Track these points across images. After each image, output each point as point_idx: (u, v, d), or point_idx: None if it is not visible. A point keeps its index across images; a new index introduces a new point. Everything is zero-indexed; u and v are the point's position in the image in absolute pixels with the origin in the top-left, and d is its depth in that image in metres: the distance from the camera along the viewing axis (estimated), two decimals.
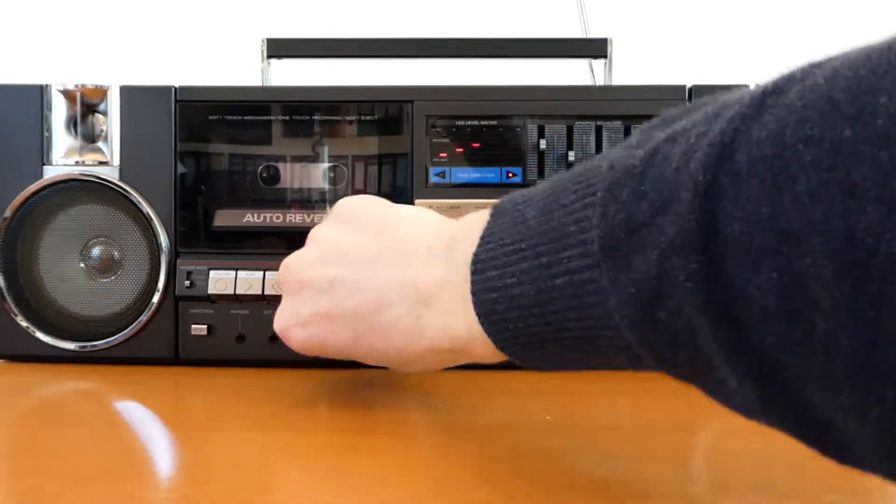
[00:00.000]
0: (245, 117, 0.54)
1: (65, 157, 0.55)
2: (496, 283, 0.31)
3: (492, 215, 0.33)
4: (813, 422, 0.22)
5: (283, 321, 0.41)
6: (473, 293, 0.32)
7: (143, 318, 0.54)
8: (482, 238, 0.32)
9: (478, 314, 0.31)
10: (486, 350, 0.32)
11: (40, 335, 0.54)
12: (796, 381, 0.21)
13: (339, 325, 0.39)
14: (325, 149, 0.54)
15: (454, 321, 0.34)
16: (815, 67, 0.22)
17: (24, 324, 0.54)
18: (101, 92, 0.55)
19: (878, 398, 0.19)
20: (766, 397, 0.22)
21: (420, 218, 0.40)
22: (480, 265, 0.32)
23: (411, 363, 0.38)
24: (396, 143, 0.54)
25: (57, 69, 0.94)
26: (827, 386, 0.20)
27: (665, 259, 0.23)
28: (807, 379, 0.21)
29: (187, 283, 0.53)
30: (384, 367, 0.41)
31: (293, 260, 0.42)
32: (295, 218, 0.54)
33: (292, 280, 0.41)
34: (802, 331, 0.20)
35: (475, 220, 0.34)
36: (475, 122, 0.54)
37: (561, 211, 0.29)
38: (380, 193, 0.54)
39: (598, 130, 0.53)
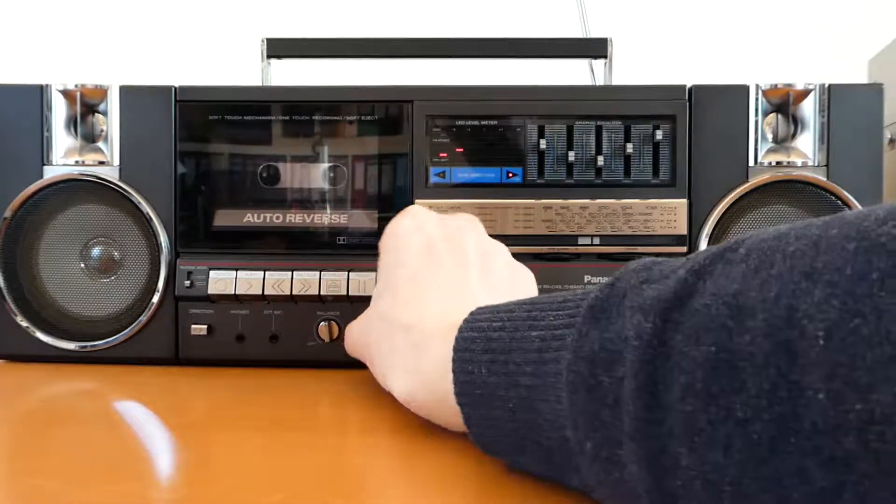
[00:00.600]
0: (245, 117, 0.54)
1: (65, 157, 0.55)
2: (482, 324, 0.31)
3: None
4: None
5: (351, 336, 0.45)
6: (460, 329, 0.32)
7: (143, 318, 0.54)
8: (496, 305, 0.33)
9: (454, 349, 0.32)
10: (448, 396, 0.32)
11: (40, 335, 0.54)
12: (691, 476, 0.21)
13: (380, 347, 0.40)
14: (325, 149, 0.54)
15: (434, 354, 0.34)
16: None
17: (24, 324, 0.54)
18: (101, 92, 0.55)
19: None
20: (658, 487, 0.22)
21: (518, 278, 0.43)
22: (481, 308, 0.33)
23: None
24: (396, 143, 0.54)
25: (57, 69, 0.94)
26: (710, 482, 0.21)
27: (632, 318, 0.24)
28: (702, 477, 0.21)
29: (187, 283, 0.53)
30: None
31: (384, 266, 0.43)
32: (295, 218, 0.54)
33: (381, 284, 0.43)
34: (716, 416, 0.20)
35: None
36: (475, 122, 0.54)
37: (570, 294, 0.29)
38: (380, 193, 0.54)
39: (598, 130, 0.53)
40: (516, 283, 0.42)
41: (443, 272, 0.40)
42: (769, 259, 0.21)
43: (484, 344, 0.30)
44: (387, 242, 0.44)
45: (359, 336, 0.43)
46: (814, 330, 0.19)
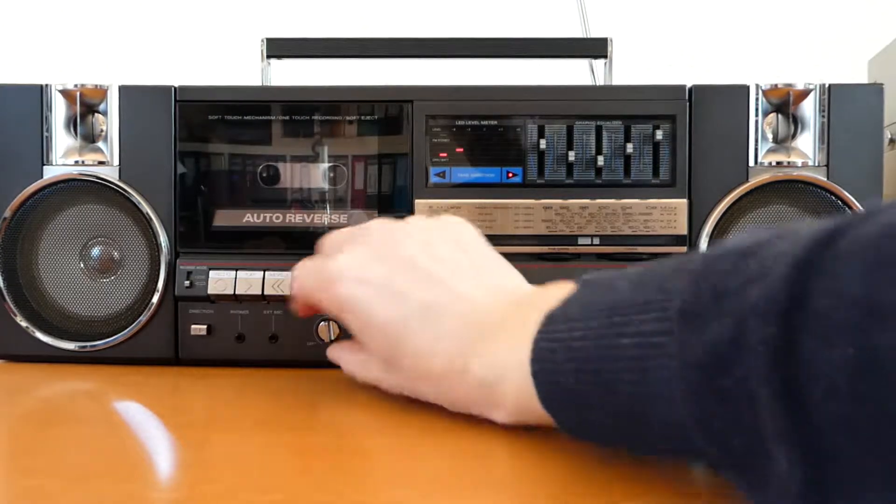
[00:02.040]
0: (245, 117, 0.54)
1: (64, 157, 0.55)
2: (561, 335, 0.31)
3: (581, 284, 0.33)
4: None
5: (344, 267, 0.41)
6: (535, 340, 0.32)
7: (143, 318, 0.54)
8: (565, 300, 0.33)
9: (532, 360, 0.32)
10: (518, 400, 0.33)
11: (40, 335, 0.54)
12: (852, 469, 0.21)
13: (394, 302, 0.39)
14: (325, 149, 0.54)
15: (504, 357, 0.34)
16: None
17: (24, 324, 0.54)
18: (101, 92, 0.55)
19: None
20: (813, 482, 0.22)
21: (512, 272, 0.42)
22: (553, 317, 0.32)
23: (429, 378, 0.38)
24: (396, 143, 0.54)
25: (57, 69, 0.94)
26: (885, 479, 0.20)
27: (743, 322, 0.23)
28: (864, 469, 0.21)
29: (187, 283, 0.53)
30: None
31: (391, 224, 0.43)
32: (295, 218, 0.54)
33: (376, 239, 0.42)
34: (869, 413, 0.20)
35: (564, 287, 0.35)
36: (475, 122, 0.54)
37: (652, 280, 0.28)
38: (380, 193, 0.54)
39: (598, 130, 0.53)
40: (463, 248, 0.43)
41: (464, 249, 0.41)
42: (888, 255, 0.21)
43: (566, 354, 0.30)
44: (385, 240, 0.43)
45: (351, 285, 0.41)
46: None
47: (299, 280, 0.45)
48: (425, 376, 0.39)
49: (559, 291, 0.34)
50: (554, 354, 0.30)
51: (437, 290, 0.39)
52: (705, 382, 0.24)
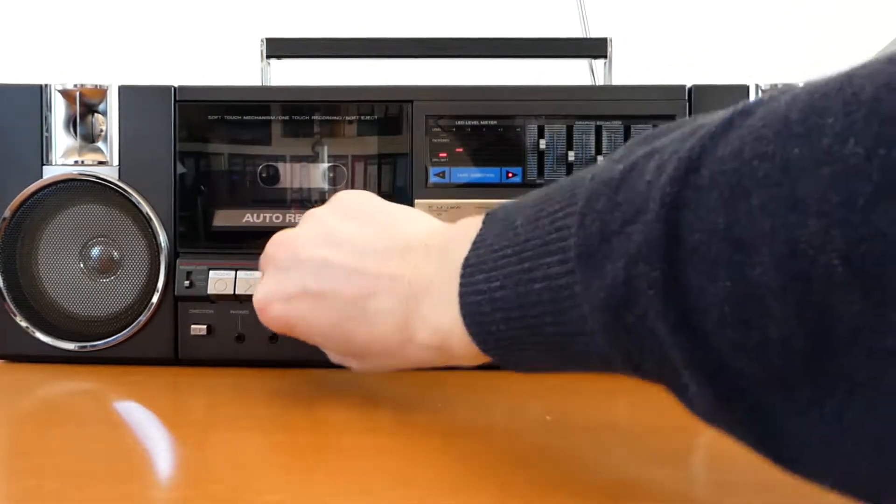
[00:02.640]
0: (245, 117, 0.54)
1: (64, 157, 0.55)
2: (482, 287, 0.32)
3: (484, 221, 0.34)
4: (767, 426, 0.23)
5: (266, 294, 0.42)
6: (461, 295, 0.33)
7: (143, 318, 0.54)
8: (474, 243, 0.33)
9: (463, 315, 0.33)
10: (468, 350, 0.34)
11: (40, 335, 0.54)
12: (754, 385, 0.22)
13: (323, 307, 0.39)
14: (325, 149, 0.54)
15: (441, 319, 0.35)
16: (783, 92, 0.23)
17: (23, 324, 0.54)
18: (101, 92, 0.55)
19: (830, 393, 0.21)
20: (723, 401, 0.23)
21: (419, 219, 0.41)
22: (470, 269, 0.33)
23: (389, 356, 0.39)
24: (396, 143, 0.54)
25: (57, 69, 0.94)
26: (785, 386, 0.22)
27: (632, 266, 0.24)
28: (765, 382, 0.22)
29: (187, 283, 0.53)
30: (341, 367, 0.43)
31: (285, 236, 0.43)
32: (295, 218, 0.54)
33: (283, 255, 0.42)
34: (757, 338, 0.21)
35: (469, 224, 0.35)
36: (475, 122, 0.54)
37: (546, 219, 0.30)
38: (380, 193, 0.54)
39: (598, 130, 0.53)
40: (359, 210, 0.42)
41: (363, 221, 0.41)
42: (741, 187, 0.22)
43: (491, 304, 0.31)
44: (278, 248, 0.43)
45: (286, 302, 0.41)
46: (826, 259, 0.19)
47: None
48: (384, 354, 0.39)
49: (465, 231, 0.34)
50: (481, 307, 0.32)
51: (357, 278, 0.38)
52: (613, 321, 0.26)
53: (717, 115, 0.25)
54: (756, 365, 0.22)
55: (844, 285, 0.19)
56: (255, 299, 0.43)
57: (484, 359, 0.34)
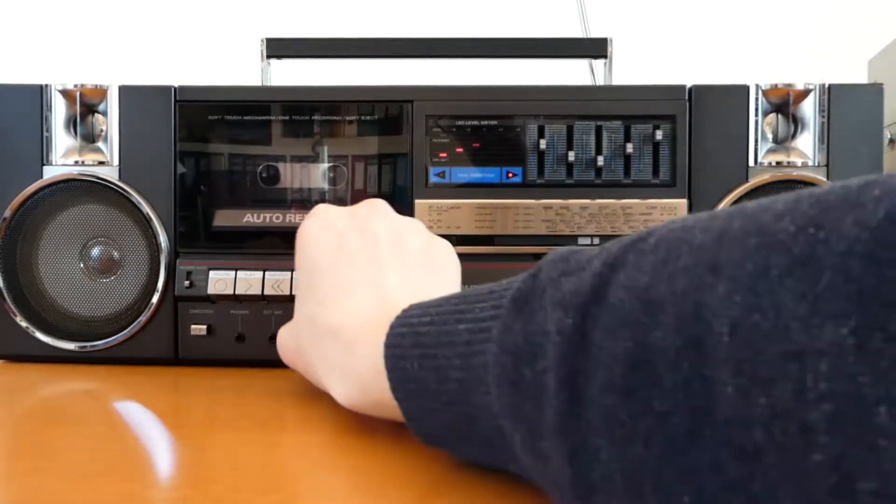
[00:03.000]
0: (245, 117, 0.54)
1: (64, 157, 0.55)
2: (412, 320, 0.31)
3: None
4: None
5: (325, 212, 0.44)
6: (391, 325, 0.32)
7: (143, 318, 0.54)
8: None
9: (385, 345, 0.32)
10: (382, 395, 0.32)
11: (40, 335, 0.54)
12: (609, 471, 0.21)
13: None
14: (325, 149, 0.54)
15: (371, 359, 0.33)
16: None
17: (23, 324, 0.54)
18: (101, 92, 0.55)
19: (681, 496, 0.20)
20: (580, 482, 0.22)
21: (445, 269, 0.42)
22: (410, 310, 0.32)
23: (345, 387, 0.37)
24: (396, 143, 0.54)
25: (57, 69, 0.94)
26: (630, 475, 0.21)
27: (552, 312, 0.24)
28: (619, 472, 0.21)
29: (187, 283, 0.53)
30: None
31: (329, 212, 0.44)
32: (295, 218, 0.54)
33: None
34: (637, 410, 0.21)
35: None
36: (475, 122, 0.54)
37: (508, 277, 0.29)
38: (380, 193, 0.54)
39: (598, 130, 0.53)
40: (432, 255, 0.42)
41: (356, 265, 0.40)
42: (676, 251, 0.22)
43: (413, 339, 0.30)
44: (298, 246, 0.43)
45: (288, 342, 0.43)
46: (719, 325, 0.19)
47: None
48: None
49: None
50: (403, 339, 0.31)
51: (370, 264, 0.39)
52: (511, 369, 0.25)
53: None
54: (619, 447, 0.21)
55: (722, 362, 0.19)
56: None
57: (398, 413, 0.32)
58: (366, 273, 0.39)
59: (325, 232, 0.42)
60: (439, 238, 0.43)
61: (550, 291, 0.25)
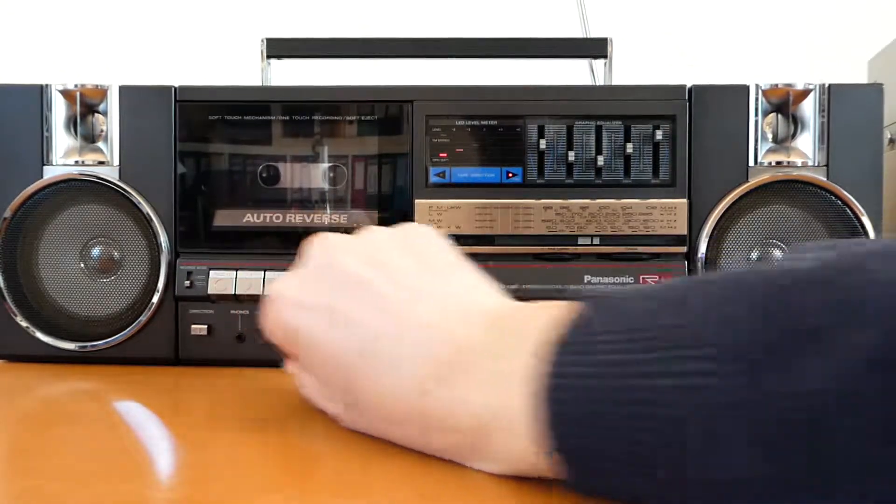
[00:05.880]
0: (245, 117, 0.54)
1: (65, 157, 0.55)
2: (577, 370, 0.26)
3: (587, 304, 0.28)
4: None
5: (283, 291, 0.36)
6: (548, 376, 0.26)
7: (143, 318, 0.54)
8: (573, 324, 0.27)
9: (549, 400, 0.26)
10: (511, 445, 0.28)
11: (40, 335, 0.54)
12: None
13: (340, 331, 0.34)
14: (325, 149, 0.54)
15: (486, 399, 0.29)
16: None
17: (24, 324, 0.54)
18: (101, 92, 0.55)
19: None
20: None
21: (486, 284, 0.36)
22: (566, 347, 0.26)
23: (396, 421, 0.33)
24: (396, 143, 0.54)
25: (57, 69, 0.94)
26: None
27: (855, 370, 0.20)
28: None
29: (187, 283, 0.53)
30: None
31: (331, 240, 0.37)
32: (295, 218, 0.54)
33: (320, 259, 0.36)
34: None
35: (552, 308, 0.29)
36: (475, 122, 0.54)
37: (689, 307, 0.25)
38: (380, 193, 0.54)
39: (598, 130, 0.53)
40: (425, 255, 0.36)
41: (422, 260, 0.35)
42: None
43: (586, 394, 0.25)
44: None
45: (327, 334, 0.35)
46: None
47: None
48: (386, 418, 0.33)
49: (549, 312, 0.29)
50: (570, 393, 0.26)
51: (389, 314, 0.33)
52: (794, 445, 0.21)
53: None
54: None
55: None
56: (271, 289, 0.37)
57: (522, 466, 0.28)
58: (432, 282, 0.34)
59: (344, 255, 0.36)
60: (405, 227, 0.38)
61: (831, 342, 0.21)
